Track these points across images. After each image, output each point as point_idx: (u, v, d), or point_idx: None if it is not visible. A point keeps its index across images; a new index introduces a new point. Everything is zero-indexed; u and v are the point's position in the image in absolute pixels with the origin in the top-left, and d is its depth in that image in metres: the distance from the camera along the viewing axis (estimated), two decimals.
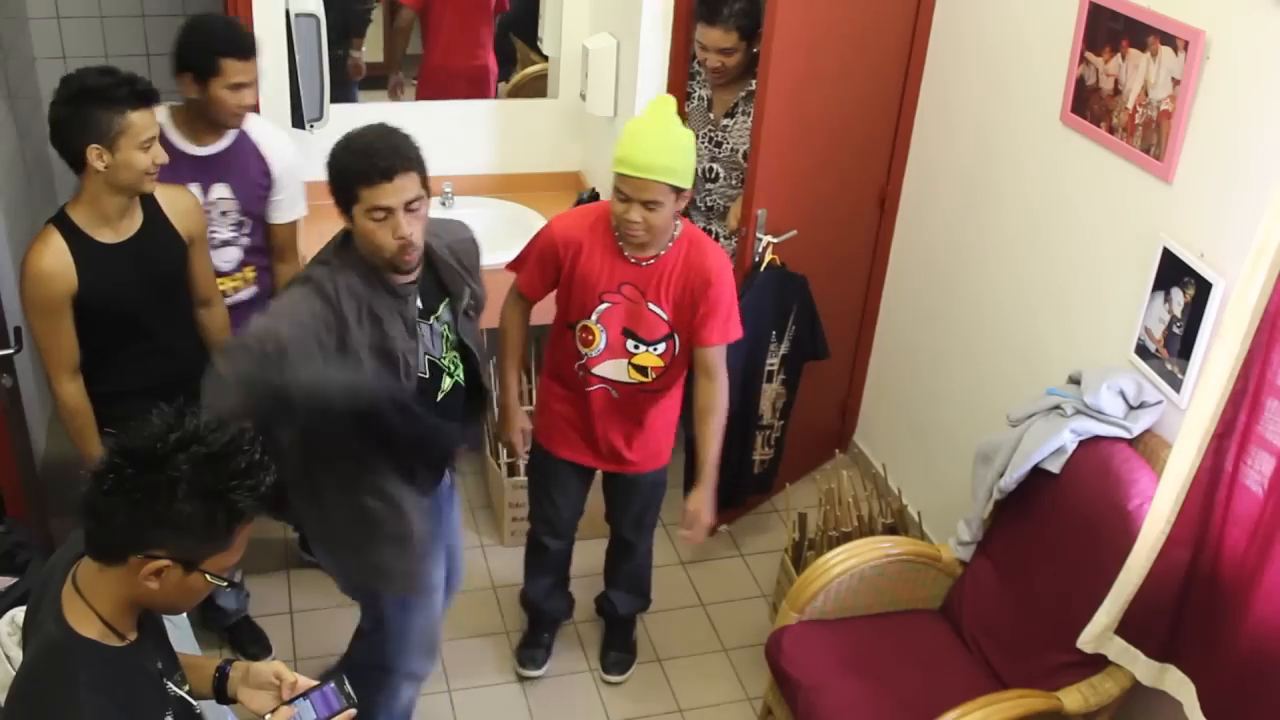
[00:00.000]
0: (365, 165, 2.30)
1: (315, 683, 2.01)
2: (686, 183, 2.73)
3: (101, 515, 1.67)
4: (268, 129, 3.09)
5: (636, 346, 2.89)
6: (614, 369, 2.93)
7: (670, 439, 3.14)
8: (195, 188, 2.97)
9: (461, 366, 2.65)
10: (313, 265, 2.45)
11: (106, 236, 2.70)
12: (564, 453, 3.10)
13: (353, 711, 1.97)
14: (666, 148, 2.69)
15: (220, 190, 3.01)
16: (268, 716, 1.95)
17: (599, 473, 3.19)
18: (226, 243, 3.07)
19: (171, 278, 2.84)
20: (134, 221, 2.73)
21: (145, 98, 2.61)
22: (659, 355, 2.89)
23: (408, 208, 2.33)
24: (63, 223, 2.69)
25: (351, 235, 2.42)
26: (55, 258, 2.65)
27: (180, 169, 2.94)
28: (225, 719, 2.45)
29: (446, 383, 2.61)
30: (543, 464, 3.17)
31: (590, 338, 2.90)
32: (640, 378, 2.93)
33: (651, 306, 2.85)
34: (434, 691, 3.35)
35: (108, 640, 1.75)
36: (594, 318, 2.88)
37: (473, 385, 2.69)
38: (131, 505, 1.65)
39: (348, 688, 1.99)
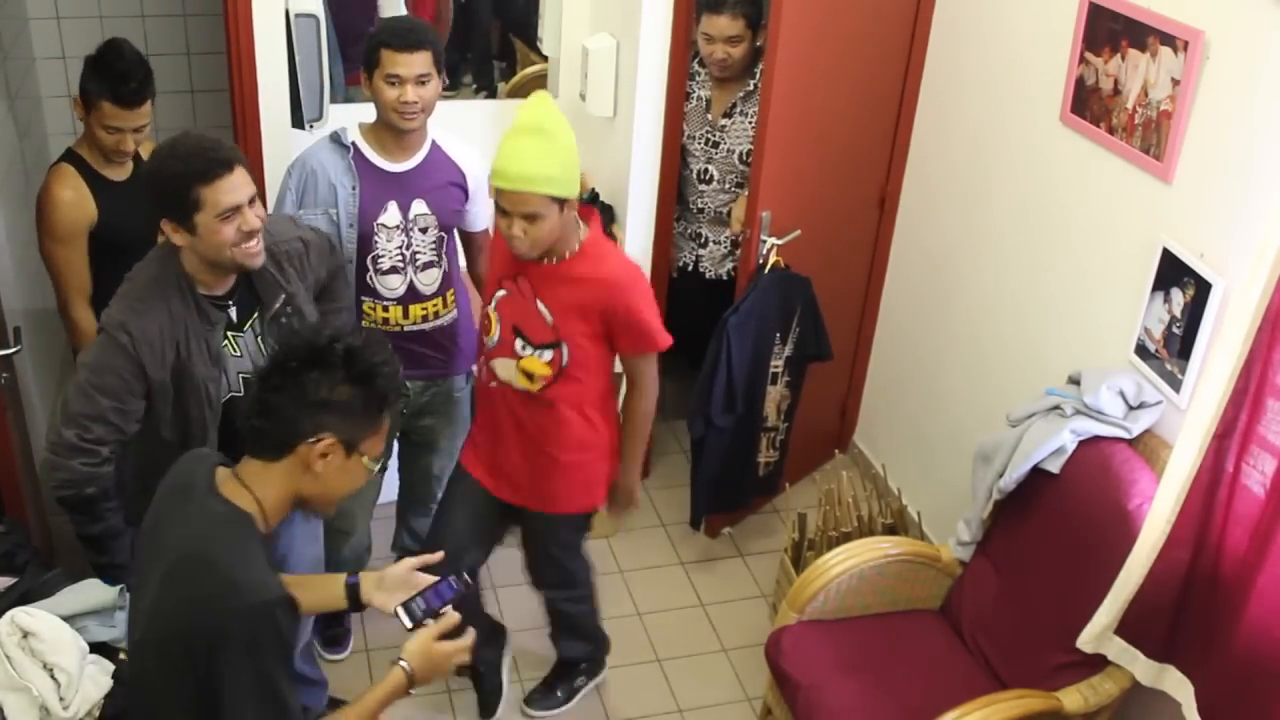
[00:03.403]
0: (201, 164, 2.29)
1: (436, 578, 2.20)
2: (569, 191, 2.55)
3: (272, 411, 1.91)
4: (454, 141, 3.04)
5: (524, 348, 2.73)
6: (505, 369, 2.79)
7: (580, 491, 2.90)
8: (394, 205, 2.92)
9: None
10: (115, 301, 2.42)
11: (113, 174, 3.05)
12: (469, 466, 2.97)
13: (450, 608, 2.15)
14: (541, 155, 2.50)
15: (419, 207, 2.95)
16: (396, 609, 2.14)
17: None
18: (430, 264, 3.00)
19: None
20: (127, 161, 3.10)
21: (122, 100, 2.95)
22: (545, 362, 2.72)
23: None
24: (74, 160, 3.04)
25: (170, 256, 2.39)
26: (76, 188, 2.99)
27: (378, 186, 2.90)
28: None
29: None
30: (451, 476, 3.04)
31: (489, 326, 2.81)
32: (528, 384, 2.76)
33: (539, 305, 2.69)
34: (433, 693, 3.35)
35: (260, 525, 1.95)
36: (493, 304, 2.80)
37: None
38: (300, 395, 1.89)
39: (465, 575, 2.21)
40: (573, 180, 2.57)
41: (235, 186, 2.31)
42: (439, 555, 2.30)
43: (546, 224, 2.55)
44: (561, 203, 2.56)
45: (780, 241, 3.51)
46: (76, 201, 2.98)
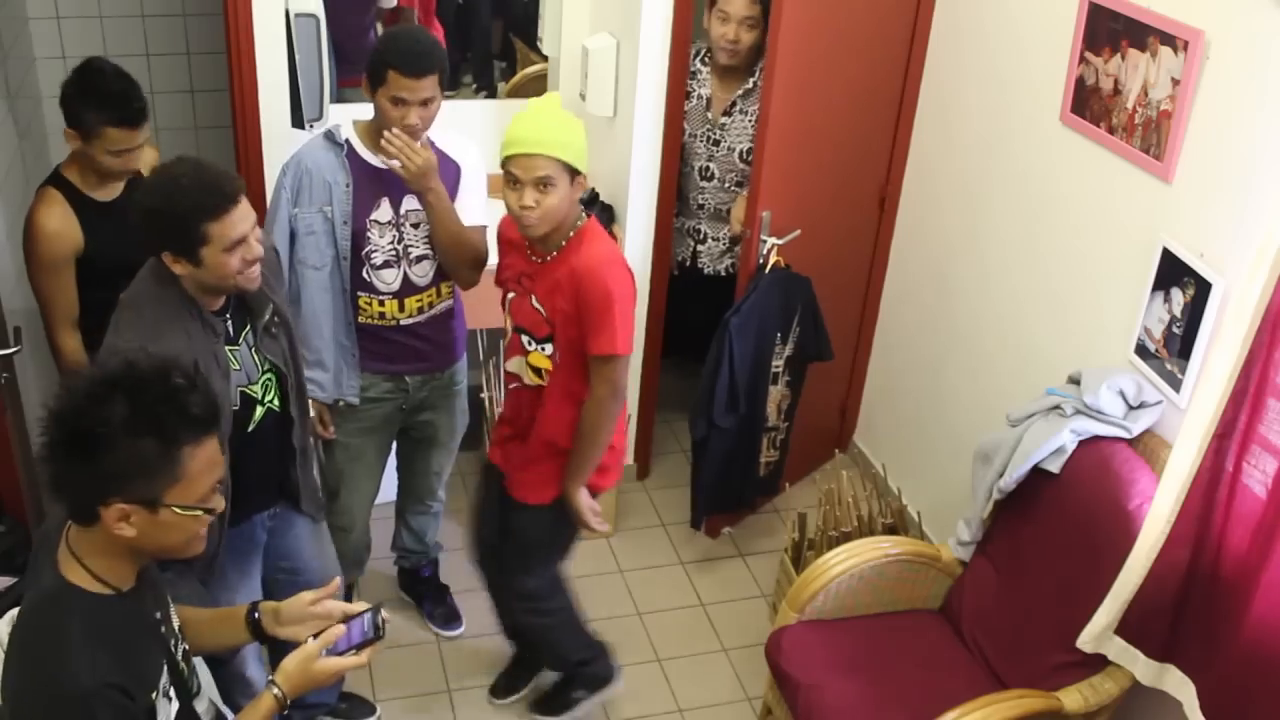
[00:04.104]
0: (209, 199, 2.24)
1: (357, 609, 2.07)
2: (581, 164, 2.60)
3: (57, 483, 1.74)
4: (454, 138, 3.03)
5: (530, 343, 2.79)
6: (517, 365, 2.85)
7: (550, 480, 2.86)
8: (385, 202, 2.93)
9: (276, 391, 2.54)
10: (126, 328, 2.32)
11: (101, 195, 2.96)
12: (496, 460, 3.01)
13: (378, 645, 2.03)
14: (556, 124, 2.58)
15: (411, 203, 2.94)
16: (309, 639, 2.01)
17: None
18: (423, 257, 3.00)
19: None
20: (120, 181, 3.00)
21: (133, 120, 2.87)
22: (547, 356, 2.77)
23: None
24: (60, 183, 2.94)
25: (166, 275, 2.32)
26: (62, 216, 2.90)
27: (370, 183, 2.91)
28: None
29: (258, 412, 2.51)
30: (482, 475, 3.10)
31: (506, 329, 2.87)
32: (538, 380, 2.80)
33: (533, 301, 2.73)
34: (434, 692, 3.35)
35: (100, 590, 1.80)
36: (507, 308, 2.85)
37: (285, 407, 2.56)
38: (73, 466, 1.71)
39: (380, 618, 2.05)
40: (582, 154, 2.61)
41: (243, 218, 2.27)
42: (334, 585, 2.17)
43: (558, 193, 2.57)
44: (572, 174, 2.59)
45: (781, 241, 3.51)
46: (63, 231, 2.91)
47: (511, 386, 2.92)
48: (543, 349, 2.77)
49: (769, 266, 3.51)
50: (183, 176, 2.26)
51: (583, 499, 2.84)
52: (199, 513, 1.80)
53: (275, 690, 1.97)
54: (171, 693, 1.93)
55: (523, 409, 2.88)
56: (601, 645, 3.24)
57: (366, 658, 2.02)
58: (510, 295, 2.83)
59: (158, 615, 1.95)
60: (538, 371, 2.80)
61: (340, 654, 2.01)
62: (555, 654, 3.24)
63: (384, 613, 2.06)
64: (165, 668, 1.92)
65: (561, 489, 2.85)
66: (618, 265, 2.70)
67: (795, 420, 3.88)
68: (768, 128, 3.36)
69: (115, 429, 1.69)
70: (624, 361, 2.73)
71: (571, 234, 2.70)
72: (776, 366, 3.69)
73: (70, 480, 1.73)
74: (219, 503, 1.84)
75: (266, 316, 2.50)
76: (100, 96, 2.85)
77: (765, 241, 3.50)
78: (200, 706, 2.05)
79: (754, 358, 3.56)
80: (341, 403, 3.08)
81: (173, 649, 1.98)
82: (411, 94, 2.77)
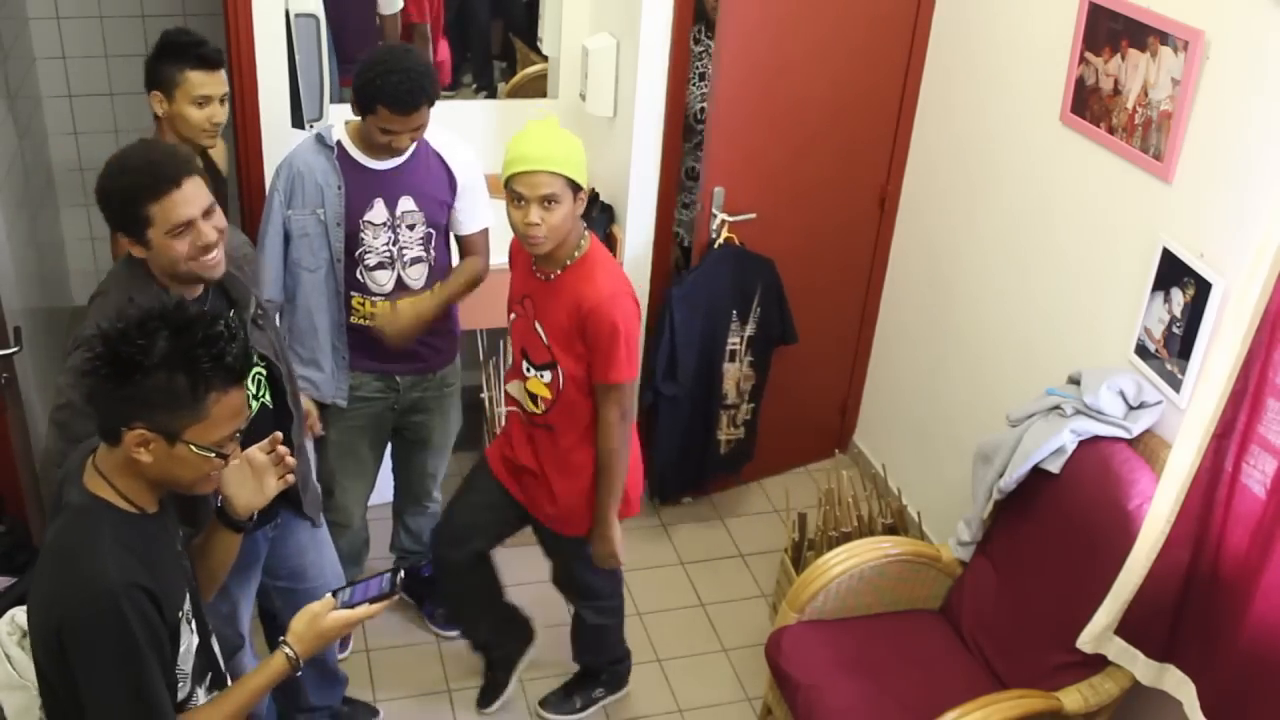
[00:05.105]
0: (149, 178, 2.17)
1: (377, 572, 2.12)
2: (582, 179, 2.62)
3: (93, 397, 1.82)
4: (446, 137, 3.03)
5: (529, 369, 2.77)
6: (516, 390, 2.84)
7: (583, 512, 2.86)
8: (380, 203, 2.94)
9: (267, 386, 2.47)
10: (93, 312, 2.26)
11: None
12: (491, 460, 3.00)
13: (389, 600, 2.06)
14: (557, 141, 2.59)
15: (406, 204, 2.95)
16: (329, 594, 2.07)
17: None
18: (418, 259, 3.01)
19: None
20: (219, 141, 3.01)
21: (206, 61, 2.86)
22: (545, 384, 2.75)
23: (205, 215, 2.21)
24: None
25: (137, 262, 2.26)
26: None
27: (363, 184, 2.92)
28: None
29: (252, 405, 2.42)
30: (474, 465, 3.07)
31: (510, 350, 2.86)
32: (533, 407, 2.79)
33: (537, 326, 2.73)
34: (434, 692, 3.35)
35: (127, 507, 1.87)
36: (510, 329, 2.86)
37: (281, 403, 2.50)
38: (108, 382, 1.77)
39: (399, 577, 2.08)
40: (583, 170, 2.63)
41: (186, 200, 2.17)
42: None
43: (563, 209, 2.59)
44: (575, 190, 2.60)
45: (732, 219, 3.55)
46: None
47: (510, 410, 2.92)
48: (540, 375, 2.76)
49: (719, 242, 3.52)
50: (131, 156, 2.22)
51: (616, 534, 2.87)
52: (212, 455, 1.85)
53: (287, 650, 2.00)
54: (193, 625, 1.97)
55: (523, 433, 2.87)
56: (628, 648, 3.32)
57: (379, 609, 2.05)
58: (513, 317, 2.83)
59: (179, 548, 2.00)
60: (534, 399, 2.79)
61: (352, 606, 2.03)
62: (599, 652, 3.27)
63: (401, 573, 2.10)
64: (188, 596, 1.96)
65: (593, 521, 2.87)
66: (623, 297, 2.70)
67: (794, 416, 3.89)
68: (715, 108, 3.37)
69: (153, 360, 1.75)
70: (630, 387, 2.75)
71: (576, 253, 2.69)
72: (734, 344, 3.71)
73: (103, 397, 1.80)
74: (236, 450, 1.92)
75: (252, 309, 2.45)
76: (178, 47, 2.89)
77: (716, 216, 3.51)
78: (215, 647, 2.07)
79: (702, 331, 3.59)
80: (331, 403, 3.09)
81: (193, 582, 2.02)
82: (402, 127, 2.81)
